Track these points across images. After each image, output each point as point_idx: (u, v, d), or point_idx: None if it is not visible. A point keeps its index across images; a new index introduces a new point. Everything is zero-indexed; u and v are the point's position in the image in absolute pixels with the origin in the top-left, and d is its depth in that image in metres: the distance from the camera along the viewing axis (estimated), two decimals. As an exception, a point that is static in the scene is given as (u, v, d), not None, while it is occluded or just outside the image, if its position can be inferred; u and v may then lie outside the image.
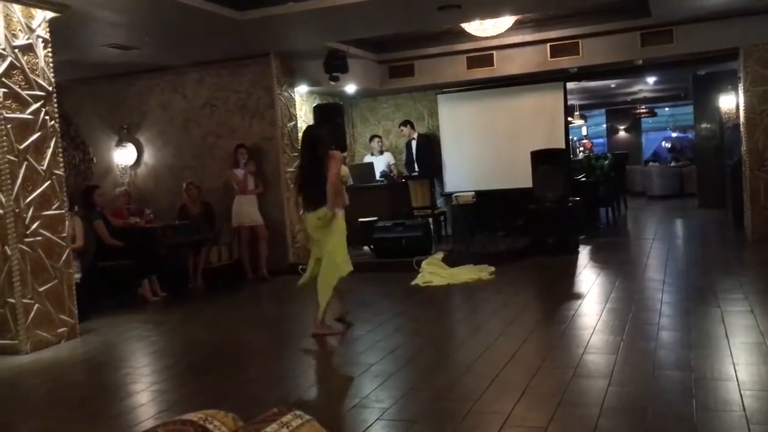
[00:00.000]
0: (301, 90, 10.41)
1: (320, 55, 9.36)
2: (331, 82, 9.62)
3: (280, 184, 9.54)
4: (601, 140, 25.02)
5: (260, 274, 9.20)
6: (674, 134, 25.89)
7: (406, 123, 11.57)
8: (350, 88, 10.88)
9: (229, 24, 7.51)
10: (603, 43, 10.06)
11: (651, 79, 15.60)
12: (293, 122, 9.92)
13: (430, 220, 10.29)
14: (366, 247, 9.70)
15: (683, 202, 16.11)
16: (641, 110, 21.14)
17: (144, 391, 4.77)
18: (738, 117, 10.79)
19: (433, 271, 8.25)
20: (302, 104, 10.59)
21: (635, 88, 17.84)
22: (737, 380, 4.01)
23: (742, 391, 3.82)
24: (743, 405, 3.63)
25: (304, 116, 10.59)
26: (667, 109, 24.16)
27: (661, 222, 13.32)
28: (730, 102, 13.07)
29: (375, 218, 9.48)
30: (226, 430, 1.38)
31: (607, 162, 14.69)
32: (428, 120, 12.27)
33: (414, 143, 11.53)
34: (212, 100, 9.83)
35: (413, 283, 7.98)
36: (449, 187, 11.55)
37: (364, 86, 11.04)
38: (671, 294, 6.60)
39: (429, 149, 11.58)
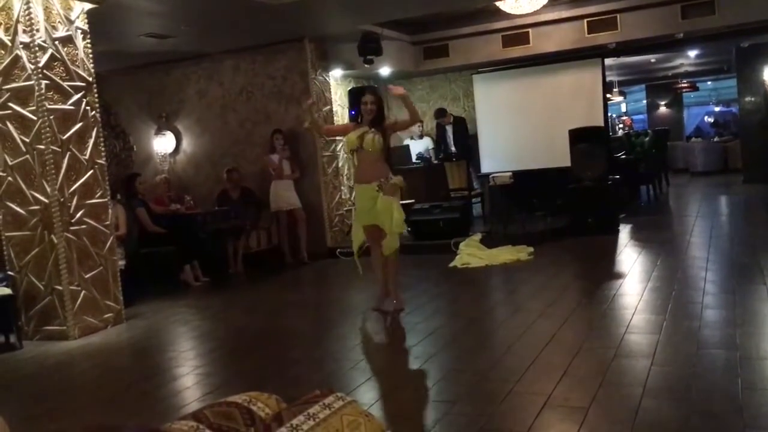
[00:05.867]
0: (336, 74, 10.41)
1: (354, 39, 9.34)
2: (366, 65, 9.60)
3: (317, 168, 9.59)
4: (641, 116, 24.53)
5: (299, 257, 9.28)
6: (717, 108, 25.27)
7: (443, 113, 11.25)
8: (385, 71, 10.84)
9: (263, 9, 7.53)
10: (642, 17, 9.84)
11: (692, 53, 15.20)
12: (328, 106, 9.95)
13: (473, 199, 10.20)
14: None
15: (727, 178, 15.73)
16: (682, 85, 20.61)
17: (189, 374, 4.87)
18: (784, 89, 10.49)
19: (472, 253, 8.23)
20: (337, 88, 10.60)
21: (676, 62, 17.42)
22: (784, 359, 3.93)
23: (789, 370, 3.75)
24: (791, 384, 3.56)
25: (339, 100, 10.60)
26: (709, 83, 23.56)
27: (704, 199, 13.05)
28: (775, 74, 12.72)
29: (412, 200, 9.48)
30: (269, 411, 1.41)
31: (647, 139, 14.43)
32: (464, 101, 12.17)
33: (450, 127, 11.36)
34: (248, 86, 9.90)
35: (451, 264, 7.97)
36: (486, 167, 11.45)
37: (399, 68, 10.99)
38: (715, 272, 6.48)
39: (463, 131, 11.44)
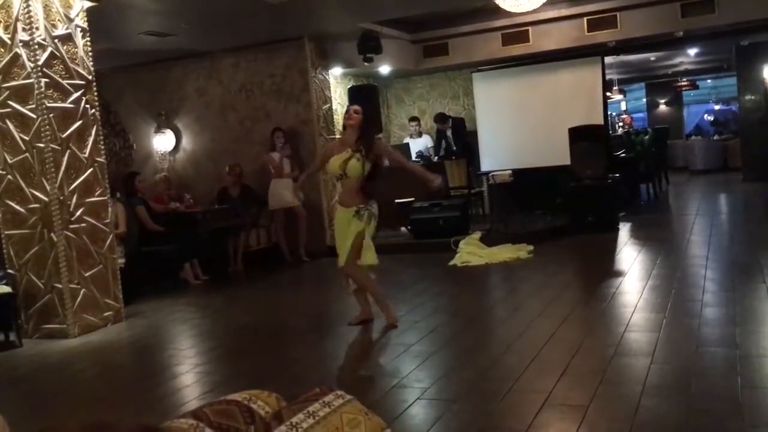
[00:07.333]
0: (336, 72, 10.41)
1: (354, 37, 9.33)
2: (366, 64, 9.60)
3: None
4: (641, 115, 24.53)
5: (298, 255, 9.27)
6: (717, 107, 25.27)
7: (446, 118, 11.28)
8: (384, 69, 10.84)
9: (262, 7, 7.53)
10: (642, 15, 9.83)
11: (692, 51, 15.20)
12: (328, 105, 9.94)
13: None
14: (403, 228, 9.71)
15: (727, 176, 15.74)
16: (682, 83, 20.60)
17: (189, 372, 4.87)
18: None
19: (471, 251, 8.22)
20: (337, 86, 10.60)
21: (676, 61, 17.41)
22: (784, 357, 3.93)
23: (789, 368, 3.75)
24: (790, 382, 3.56)
25: (338, 98, 10.60)
26: (709, 81, 23.55)
27: (704, 197, 13.05)
28: (774, 72, 12.73)
29: (412, 199, 9.48)
30: (269, 409, 1.41)
31: (647, 137, 14.44)
32: (464, 99, 12.16)
33: (449, 130, 11.35)
34: (248, 84, 9.89)
35: (451, 263, 7.97)
36: (485, 166, 11.44)
37: (399, 67, 10.99)
38: (715, 270, 6.48)
39: (461, 130, 11.43)
